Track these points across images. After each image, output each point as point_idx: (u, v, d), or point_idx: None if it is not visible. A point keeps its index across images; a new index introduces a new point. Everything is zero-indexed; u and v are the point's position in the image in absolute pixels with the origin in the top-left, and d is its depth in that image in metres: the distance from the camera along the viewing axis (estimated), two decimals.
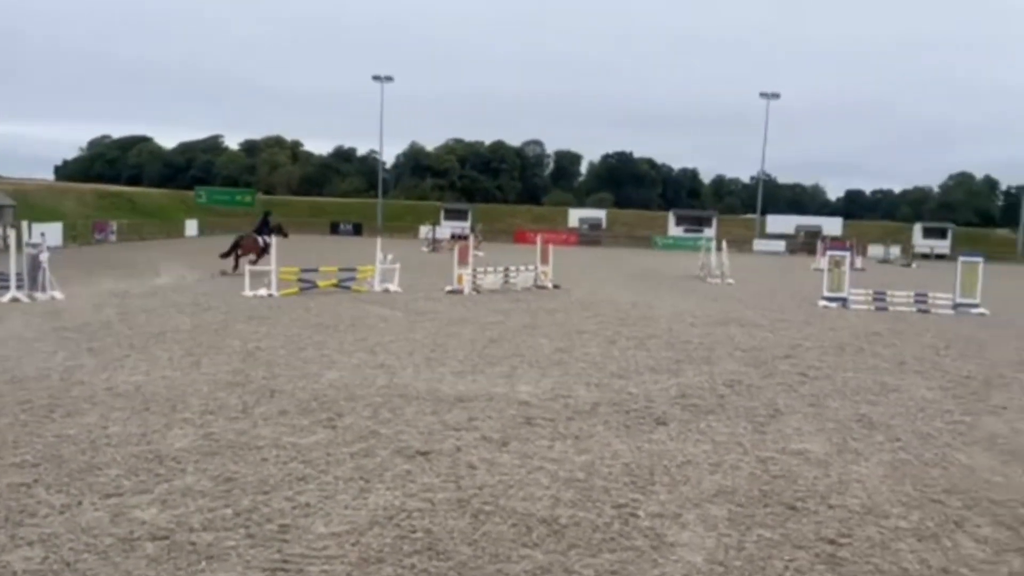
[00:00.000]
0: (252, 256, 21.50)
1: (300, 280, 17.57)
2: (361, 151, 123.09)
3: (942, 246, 63.66)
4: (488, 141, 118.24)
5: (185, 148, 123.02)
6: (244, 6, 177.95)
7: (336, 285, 18.18)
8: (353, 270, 18.81)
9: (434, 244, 43.16)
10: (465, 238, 27.68)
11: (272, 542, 4.42)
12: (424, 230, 53.38)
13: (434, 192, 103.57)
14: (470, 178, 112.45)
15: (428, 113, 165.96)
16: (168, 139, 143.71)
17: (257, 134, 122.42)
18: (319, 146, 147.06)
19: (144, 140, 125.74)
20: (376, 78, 67.52)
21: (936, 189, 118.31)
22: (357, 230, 63.82)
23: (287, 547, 4.36)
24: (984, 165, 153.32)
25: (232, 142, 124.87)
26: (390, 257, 19.43)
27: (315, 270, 18.55)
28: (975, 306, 18.49)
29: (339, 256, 29.79)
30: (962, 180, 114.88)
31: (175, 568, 4.08)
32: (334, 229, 63.96)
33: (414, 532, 4.63)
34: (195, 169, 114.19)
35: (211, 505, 4.93)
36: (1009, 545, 4.70)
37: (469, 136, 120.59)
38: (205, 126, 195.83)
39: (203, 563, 4.15)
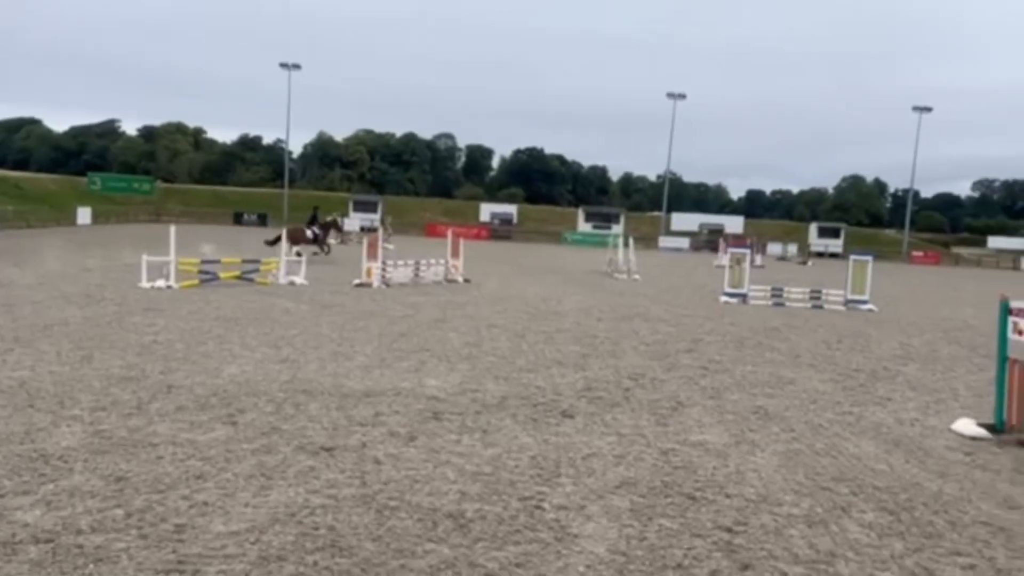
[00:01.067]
0: (299, 247, 22.66)
1: (201, 272, 16.98)
2: (267, 140, 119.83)
3: (835, 245, 66.79)
4: (399, 133, 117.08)
5: (77, 132, 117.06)
6: None
7: (239, 277, 17.65)
8: (257, 262, 18.30)
9: (342, 236, 42.46)
10: (375, 230, 27.31)
11: (167, 542, 4.25)
12: None
13: (343, 183, 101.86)
14: (380, 170, 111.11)
15: (337, 103, 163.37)
16: (59, 122, 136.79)
17: (157, 119, 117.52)
18: (223, 134, 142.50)
19: (32, 122, 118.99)
20: (283, 66, 65.93)
21: (831, 190, 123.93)
22: (262, 221, 62.12)
23: (183, 547, 4.21)
24: (875, 168, 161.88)
25: (130, 127, 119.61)
26: (296, 249, 18.99)
27: (216, 261, 17.95)
28: (864, 302, 19.46)
29: (242, 247, 28.93)
30: (854, 182, 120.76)
31: (60, 572, 3.88)
32: (238, 220, 62.08)
33: (317, 529, 4.54)
34: (88, 154, 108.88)
35: (101, 506, 4.71)
36: (891, 529, 4.96)
37: (380, 127, 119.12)
38: (100, 109, 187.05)
39: (91, 566, 3.95)
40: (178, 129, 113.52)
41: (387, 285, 18.65)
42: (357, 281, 18.58)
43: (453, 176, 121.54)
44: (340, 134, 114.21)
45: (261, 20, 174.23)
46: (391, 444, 6.23)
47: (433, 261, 21.05)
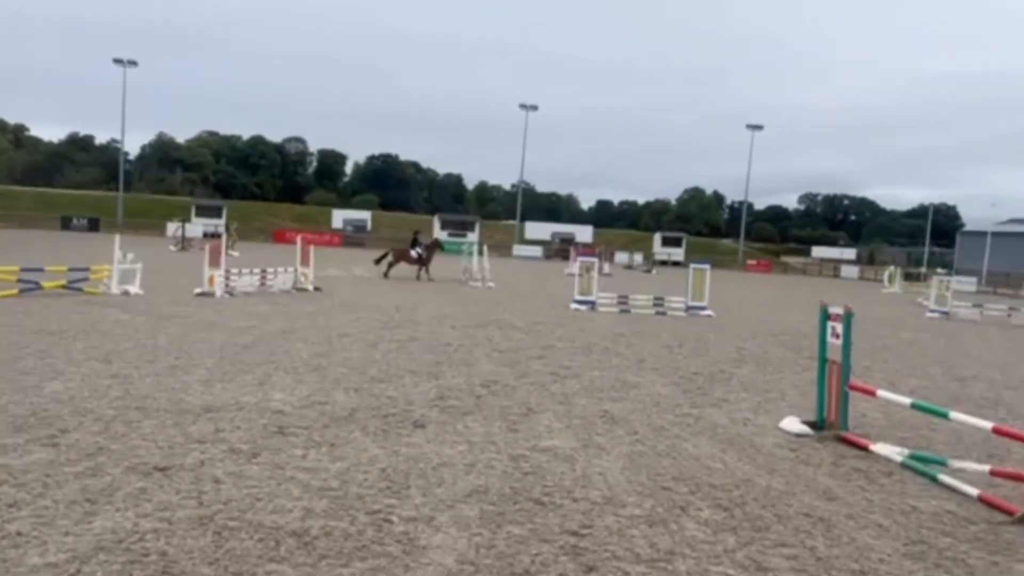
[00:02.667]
0: (402, 263, 26.78)
1: (20, 280, 15.60)
2: (100, 139, 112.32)
3: (678, 254, 70.22)
4: (246, 136, 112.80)
5: None
6: None
7: (65, 286, 16.36)
8: (86, 270, 17.04)
9: (183, 243, 40.37)
10: (218, 236, 26.19)
11: None
12: (172, 227, 49.70)
13: (185, 187, 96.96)
14: (226, 173, 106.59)
15: (179, 103, 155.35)
16: None
17: None
18: (50, 132, 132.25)
19: None
20: (118, 61, 62.01)
21: (674, 202, 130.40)
22: (93, 226, 58.09)
23: None
24: (713, 181, 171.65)
25: None
26: (131, 256, 17.84)
27: (40, 269, 16.58)
28: (703, 309, 20.56)
29: (70, 254, 26.90)
30: (695, 194, 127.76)
31: None
32: (66, 224, 57.71)
33: (147, 555, 4.25)
34: None
35: None
36: (725, 525, 5.24)
37: (225, 129, 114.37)
38: None
39: None
40: None
41: (231, 294, 17.87)
42: (198, 290, 17.69)
43: (304, 181, 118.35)
44: (182, 135, 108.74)
45: (91, 11, 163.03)
46: (232, 461, 5.94)
47: (281, 269, 20.38)
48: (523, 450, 6.76)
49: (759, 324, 19.61)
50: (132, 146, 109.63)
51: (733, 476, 6.38)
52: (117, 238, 17.94)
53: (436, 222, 71.67)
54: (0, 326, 11.61)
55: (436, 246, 29.80)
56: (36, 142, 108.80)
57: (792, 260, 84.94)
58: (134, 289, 17.12)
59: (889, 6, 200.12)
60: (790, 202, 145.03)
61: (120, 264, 17.34)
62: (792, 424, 8.17)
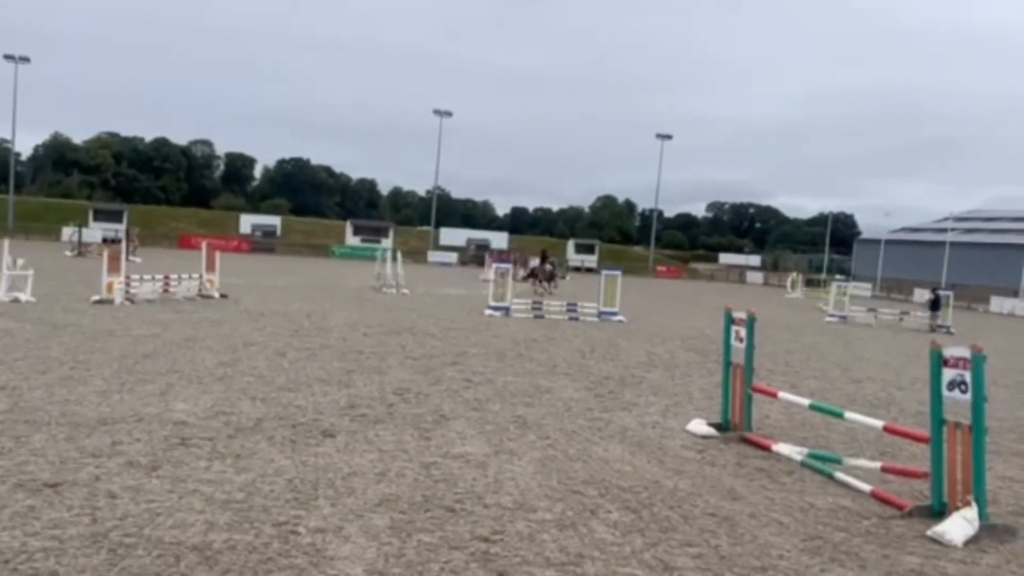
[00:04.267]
0: (538, 278, 30.09)
1: None
2: None
3: (591, 260, 71.24)
4: (149, 138, 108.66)
5: None
6: None
7: None
8: None
9: (80, 248, 38.57)
10: (118, 242, 25.13)
11: None
12: (68, 232, 47.38)
13: (83, 190, 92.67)
14: (127, 176, 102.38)
15: (76, 102, 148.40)
16: None
17: None
18: None
19: None
20: (9, 58, 58.85)
21: (587, 209, 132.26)
22: None
23: None
24: (625, 189, 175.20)
25: None
26: (21, 262, 16.91)
27: None
28: (615, 314, 20.91)
29: None
30: (607, 202, 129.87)
31: None
32: None
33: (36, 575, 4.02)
34: None
35: None
36: (633, 527, 5.33)
37: (126, 131, 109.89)
38: None
39: None
40: None
41: (131, 302, 17.16)
42: (96, 298, 16.91)
43: (211, 185, 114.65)
44: (79, 136, 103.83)
45: None
46: (129, 475, 5.69)
47: (186, 275, 19.71)
48: (435, 457, 6.72)
49: (669, 329, 20.08)
50: (24, 147, 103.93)
51: (642, 478, 6.50)
52: (6, 243, 16.99)
53: (349, 228, 70.72)
54: None
55: (552, 265, 33.29)
56: None
57: (701, 267, 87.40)
58: (25, 296, 16.25)
59: (792, 21, 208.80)
60: (699, 210, 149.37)
61: (9, 270, 16.43)
62: (698, 426, 8.38)
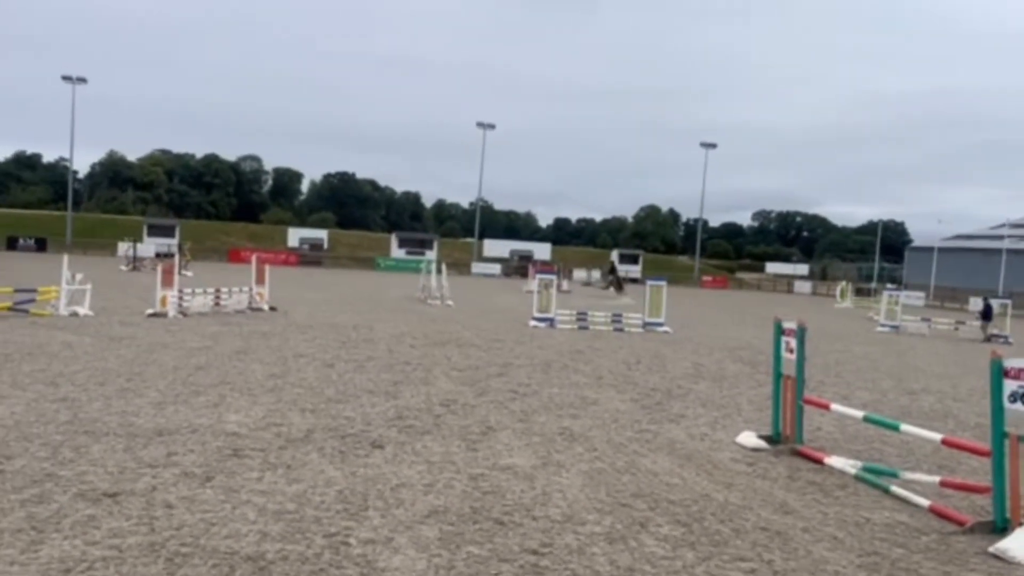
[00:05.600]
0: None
1: None
2: (48, 158, 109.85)
3: (635, 271, 70.71)
4: (200, 154, 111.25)
5: None
6: None
7: (10, 308, 15.91)
8: (33, 291, 16.60)
9: (135, 263, 39.58)
10: (171, 256, 25.73)
11: None
12: (123, 247, 48.66)
13: (137, 206, 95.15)
14: (179, 192, 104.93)
15: (130, 121, 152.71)
16: None
17: None
18: None
19: None
20: (67, 79, 60.77)
21: (630, 219, 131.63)
22: (41, 246, 56.60)
23: None
24: (669, 199, 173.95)
25: None
26: (80, 277, 17.42)
27: None
28: (660, 325, 20.74)
29: (16, 275, 26.23)
30: (651, 212, 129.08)
31: None
32: (12, 244, 56.18)
33: None
34: None
35: None
36: (684, 540, 5.26)
37: (178, 148, 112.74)
38: None
39: None
40: None
41: (184, 315, 17.54)
42: (151, 311, 17.33)
43: (259, 200, 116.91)
44: (134, 154, 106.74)
45: (38, 24, 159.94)
46: (185, 486, 5.81)
47: (236, 288, 20.08)
48: (482, 469, 6.73)
49: (715, 340, 19.84)
50: (82, 165, 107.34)
51: (691, 491, 6.42)
52: (65, 258, 17.53)
53: (394, 240, 71.36)
54: None
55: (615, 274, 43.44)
56: None
57: (747, 276, 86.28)
58: (83, 310, 16.72)
59: (840, 25, 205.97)
60: (744, 219, 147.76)
61: (69, 285, 16.93)
62: (748, 439, 8.26)
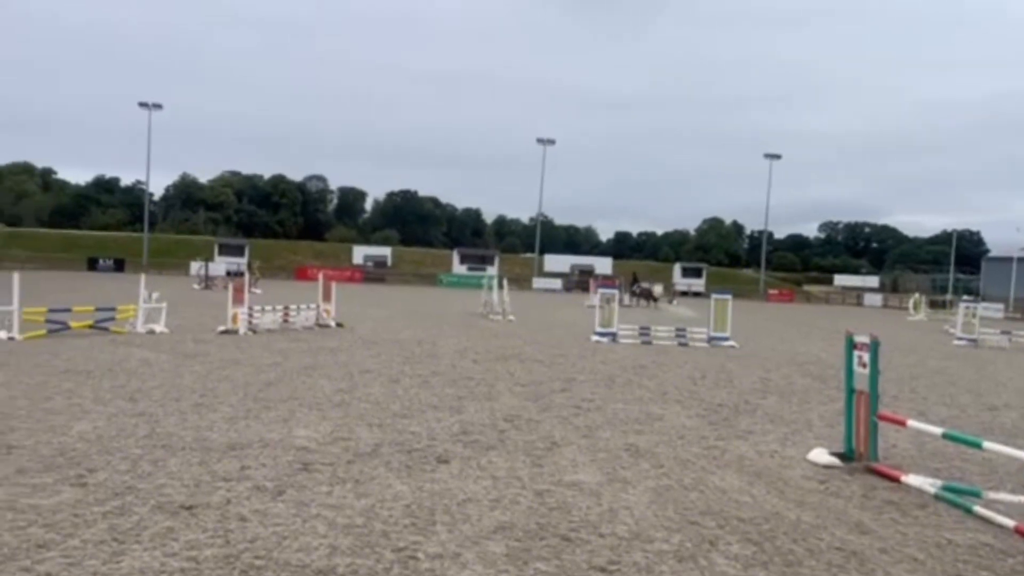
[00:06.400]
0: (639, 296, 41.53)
1: (48, 321, 15.83)
2: (126, 181, 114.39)
3: (698, 284, 69.93)
4: (268, 175, 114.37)
5: None
6: None
7: (92, 326, 16.57)
8: (112, 310, 17.26)
9: (207, 281, 40.78)
10: (241, 275, 26.44)
11: None
12: (196, 266, 50.25)
13: (208, 226, 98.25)
14: (248, 212, 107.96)
15: (201, 144, 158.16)
16: None
17: (0, 160, 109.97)
18: (76, 175, 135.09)
19: None
20: (143, 105, 63.29)
21: (692, 232, 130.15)
22: (119, 266, 58.87)
23: None
24: (732, 211, 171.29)
25: None
26: (156, 295, 18.06)
27: (67, 310, 16.82)
28: (726, 339, 20.40)
29: (97, 294, 27.30)
30: (714, 224, 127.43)
31: None
32: (92, 265, 58.54)
33: None
34: None
35: None
36: (755, 560, 5.15)
37: (247, 169, 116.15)
38: None
39: None
40: (24, 170, 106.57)
41: (254, 331, 18.00)
42: (222, 328, 17.84)
43: (325, 218, 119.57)
44: (205, 175, 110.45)
45: (116, 54, 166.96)
46: (257, 499, 5.94)
47: (303, 305, 20.52)
48: (548, 485, 6.71)
49: (783, 354, 19.42)
50: (157, 187, 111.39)
51: (762, 509, 6.28)
52: (143, 278, 18.19)
53: (455, 256, 71.98)
54: (29, 366, 11.76)
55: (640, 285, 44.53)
56: (63, 185, 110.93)
57: (814, 289, 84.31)
58: (159, 328, 17.30)
59: (909, 30, 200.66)
60: (810, 230, 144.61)
61: (145, 303, 17.55)
62: (820, 455, 8.05)
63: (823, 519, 6.10)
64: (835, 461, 7.88)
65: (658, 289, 45.70)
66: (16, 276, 15.43)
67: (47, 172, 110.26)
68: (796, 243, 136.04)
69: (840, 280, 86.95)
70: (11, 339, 14.63)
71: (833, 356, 18.54)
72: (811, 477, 7.42)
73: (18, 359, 12.43)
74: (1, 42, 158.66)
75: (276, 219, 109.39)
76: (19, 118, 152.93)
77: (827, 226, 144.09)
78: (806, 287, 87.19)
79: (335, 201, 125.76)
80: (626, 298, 37.59)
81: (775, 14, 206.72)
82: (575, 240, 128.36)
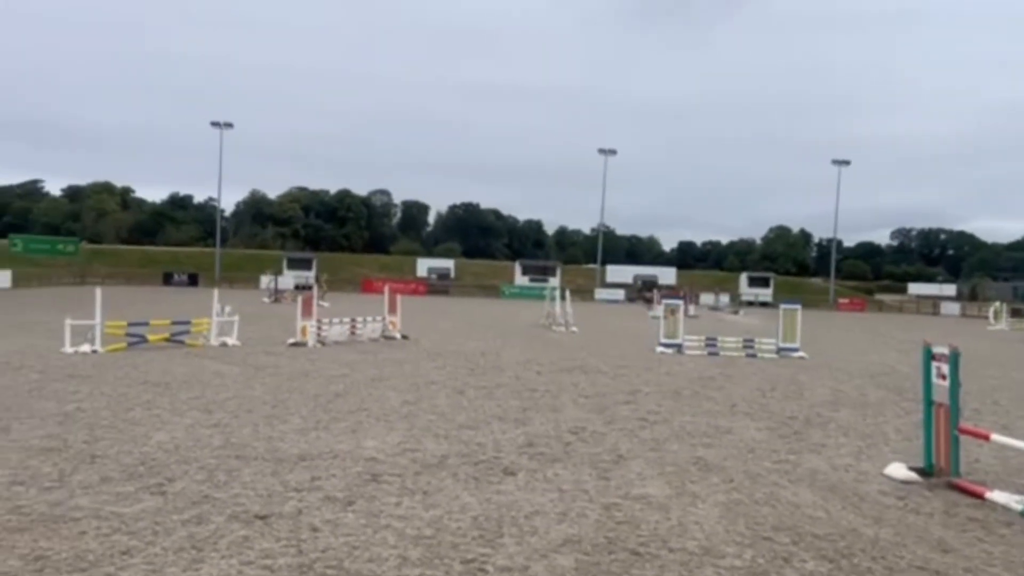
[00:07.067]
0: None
1: (128, 335, 16.43)
2: (199, 198, 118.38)
3: (765, 294, 68.50)
4: (333, 190, 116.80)
5: None
6: (69, 43, 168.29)
7: (168, 339, 17.14)
8: (187, 323, 17.82)
9: (276, 295, 41.76)
10: (309, 288, 27.00)
11: None
12: (265, 280, 51.52)
13: (276, 241, 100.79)
14: (315, 227, 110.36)
15: (270, 160, 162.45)
16: None
17: (82, 179, 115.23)
18: (152, 193, 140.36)
19: None
20: (215, 124, 65.36)
21: (758, 241, 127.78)
22: (193, 281, 60.77)
23: None
24: (799, 219, 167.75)
25: (54, 187, 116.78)
26: (228, 309, 18.58)
27: (145, 324, 17.43)
28: (795, 350, 19.93)
29: (172, 308, 28.23)
30: (781, 233, 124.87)
31: None
32: (168, 280, 60.57)
33: None
34: (9, 216, 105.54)
35: None
36: None
37: (313, 184, 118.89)
38: (22, 170, 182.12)
39: None
40: (105, 189, 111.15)
41: (322, 344, 18.35)
42: (291, 340, 18.24)
43: (389, 232, 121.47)
44: (273, 192, 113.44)
45: (190, 76, 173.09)
46: (328, 509, 6.05)
47: (370, 318, 20.84)
48: (615, 498, 6.65)
49: (855, 365, 18.88)
50: (228, 203, 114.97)
51: (837, 525, 6.11)
52: (216, 292, 18.75)
53: (517, 268, 72.14)
54: (111, 378, 12.22)
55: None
56: (140, 203, 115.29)
57: (887, 298, 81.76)
58: (232, 340, 17.78)
59: (983, 29, 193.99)
60: (882, 238, 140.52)
61: (218, 317, 18.07)
62: (898, 470, 7.79)
63: (903, 536, 5.90)
64: (914, 476, 7.61)
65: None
66: (98, 291, 16.08)
67: (126, 191, 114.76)
68: (867, 251, 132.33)
69: (914, 288, 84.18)
70: (94, 352, 15.23)
71: (908, 367, 17.94)
72: (889, 493, 7.19)
73: (101, 371, 12.93)
74: (85, 70, 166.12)
75: (342, 233, 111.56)
76: (101, 139, 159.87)
77: (900, 233, 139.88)
78: (878, 296, 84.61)
79: (399, 215, 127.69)
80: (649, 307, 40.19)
81: (838, 18, 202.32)
82: (637, 250, 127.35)
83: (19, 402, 10.03)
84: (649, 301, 46.75)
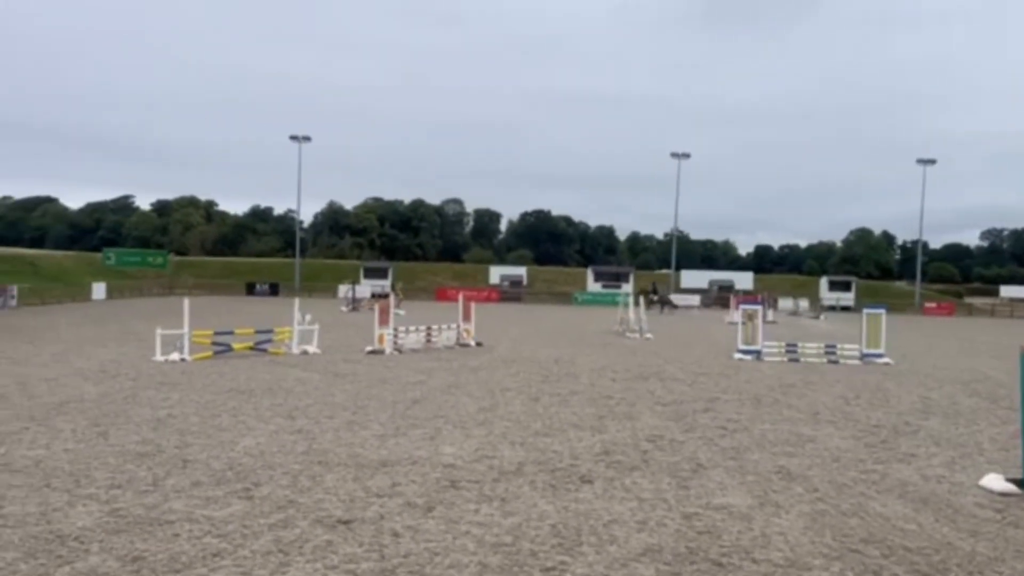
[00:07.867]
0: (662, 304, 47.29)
1: (214, 343, 17.03)
2: (278, 210, 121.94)
3: (847, 298, 66.42)
4: (408, 200, 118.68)
5: (93, 208, 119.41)
6: (153, 62, 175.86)
7: (252, 348, 17.69)
8: (270, 332, 18.36)
9: (354, 303, 42.61)
10: (385, 297, 27.46)
11: None
12: (343, 289, 52.67)
13: (353, 251, 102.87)
14: (390, 236, 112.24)
15: (347, 172, 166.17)
16: (74, 199, 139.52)
17: (170, 194, 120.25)
18: (235, 206, 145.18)
19: (48, 200, 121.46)
20: (294, 138, 67.17)
21: (839, 244, 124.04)
22: (274, 290, 62.52)
23: None
24: (882, 221, 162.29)
25: (144, 202, 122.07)
26: (308, 317, 19.07)
27: (230, 332, 18.03)
28: (880, 356, 19.28)
29: (255, 318, 29.11)
30: (862, 235, 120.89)
31: None
32: (250, 290, 62.49)
33: None
34: (104, 230, 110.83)
35: None
36: None
37: (388, 195, 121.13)
38: (115, 186, 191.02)
39: None
40: (191, 203, 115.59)
41: (399, 351, 18.63)
42: (369, 348, 18.58)
43: (462, 240, 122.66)
44: (350, 202, 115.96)
45: (271, 91, 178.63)
46: (409, 515, 6.14)
47: (445, 325, 21.06)
48: (695, 508, 6.55)
49: (944, 371, 18.14)
50: (306, 215, 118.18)
51: (931, 539, 5.88)
52: (296, 301, 19.26)
53: (590, 274, 71.79)
54: (199, 386, 12.68)
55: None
56: (223, 215, 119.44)
57: (977, 301, 78.24)
58: (312, 348, 18.22)
59: None
60: (971, 239, 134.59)
61: (299, 325, 18.56)
62: (995, 482, 7.45)
63: (1001, 551, 5.63)
64: (1012, 488, 7.26)
65: (683, 298, 48.98)
66: (186, 302, 16.71)
67: (210, 204, 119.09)
68: (955, 253, 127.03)
69: (1007, 291, 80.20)
70: (183, 360, 15.83)
71: (1003, 373, 17.14)
72: (985, 505, 6.88)
73: (189, 379, 13.43)
74: (171, 90, 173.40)
75: (416, 242, 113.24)
76: (186, 155, 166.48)
77: (990, 234, 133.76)
78: (968, 299, 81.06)
79: (471, 223, 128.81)
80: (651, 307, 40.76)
81: (919, 15, 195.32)
82: (712, 255, 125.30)
83: (116, 408, 10.50)
84: (663, 303, 48.87)
